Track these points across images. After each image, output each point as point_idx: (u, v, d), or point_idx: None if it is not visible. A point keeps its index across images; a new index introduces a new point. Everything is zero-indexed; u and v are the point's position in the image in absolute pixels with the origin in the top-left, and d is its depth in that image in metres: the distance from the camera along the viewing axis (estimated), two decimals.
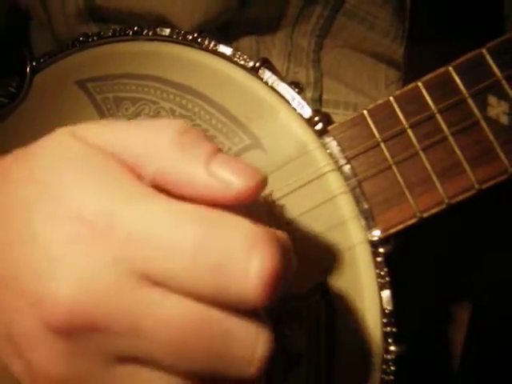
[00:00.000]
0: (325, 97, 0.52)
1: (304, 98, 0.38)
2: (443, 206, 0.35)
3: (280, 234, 0.26)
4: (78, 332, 0.24)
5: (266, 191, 0.38)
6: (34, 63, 0.47)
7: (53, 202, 0.25)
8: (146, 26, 0.43)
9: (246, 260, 0.23)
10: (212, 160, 0.25)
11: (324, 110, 0.50)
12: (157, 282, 0.24)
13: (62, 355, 0.24)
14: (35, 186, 0.26)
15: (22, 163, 0.28)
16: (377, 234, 0.36)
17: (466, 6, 0.45)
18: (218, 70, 0.41)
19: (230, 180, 0.25)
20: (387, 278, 0.36)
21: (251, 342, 0.24)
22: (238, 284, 0.23)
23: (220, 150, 0.26)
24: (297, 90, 0.39)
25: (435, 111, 0.35)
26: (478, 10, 0.46)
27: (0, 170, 0.28)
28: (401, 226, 0.36)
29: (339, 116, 0.51)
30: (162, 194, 0.25)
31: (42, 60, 0.47)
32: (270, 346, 0.24)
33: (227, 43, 0.41)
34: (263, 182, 0.26)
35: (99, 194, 0.25)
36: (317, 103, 0.52)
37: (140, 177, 0.26)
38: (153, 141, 0.26)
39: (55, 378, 0.25)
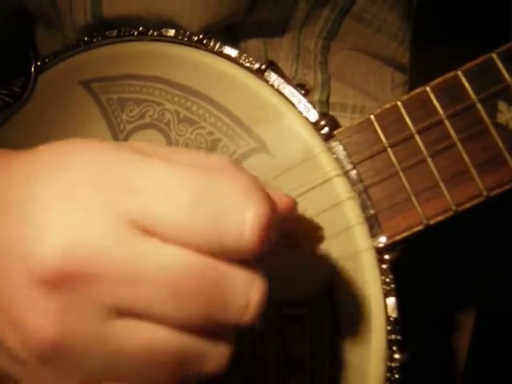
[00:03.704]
0: (332, 99, 0.52)
1: (310, 101, 0.38)
2: (450, 214, 0.34)
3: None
4: (70, 284, 0.23)
5: None
6: (39, 63, 0.47)
7: (53, 163, 0.25)
8: (151, 26, 0.43)
9: (243, 208, 0.24)
10: None
11: (331, 112, 0.50)
12: (153, 232, 0.24)
13: (54, 313, 0.24)
14: (34, 163, 0.26)
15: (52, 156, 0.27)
16: (382, 240, 0.36)
17: (472, 10, 0.45)
18: (223, 71, 0.40)
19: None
20: (392, 285, 0.35)
21: (246, 289, 0.25)
22: (234, 230, 0.24)
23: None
24: (303, 92, 0.39)
25: (443, 117, 0.35)
26: (484, 14, 0.46)
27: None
28: (407, 233, 0.35)
29: (346, 119, 0.51)
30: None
31: (46, 60, 0.47)
32: (263, 293, 0.25)
33: (235, 45, 0.41)
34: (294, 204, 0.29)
35: (96, 150, 0.25)
36: (324, 105, 0.52)
37: None
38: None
39: (49, 339, 0.24)
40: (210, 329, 0.25)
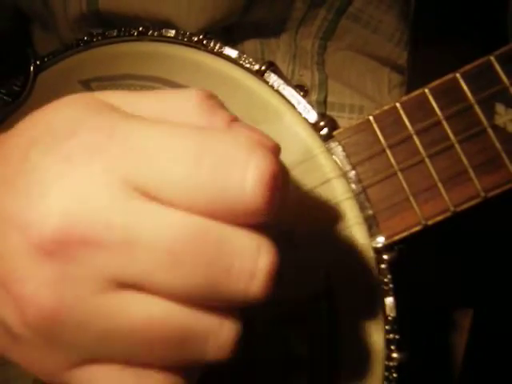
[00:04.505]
0: (330, 99, 0.52)
1: (309, 102, 0.38)
2: (448, 214, 0.35)
3: (275, 142, 0.25)
4: (68, 251, 0.22)
5: None
6: (38, 62, 0.47)
7: (51, 132, 0.24)
8: (150, 26, 0.43)
9: (245, 163, 0.22)
10: (231, 126, 0.25)
11: (329, 112, 0.50)
12: (152, 196, 0.23)
13: (51, 283, 0.23)
14: (39, 127, 0.25)
15: (33, 113, 0.27)
16: (381, 240, 0.36)
17: (470, 11, 0.45)
18: (223, 72, 0.40)
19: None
20: (391, 285, 0.36)
21: (252, 253, 0.23)
22: (235, 187, 0.22)
23: (236, 118, 0.26)
24: (302, 93, 0.39)
25: (442, 118, 0.35)
26: (482, 15, 0.46)
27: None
28: (405, 233, 0.36)
29: (344, 119, 0.51)
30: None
31: (45, 59, 0.46)
32: (273, 260, 0.23)
33: (232, 46, 0.41)
34: (277, 149, 0.26)
35: (99, 118, 0.24)
36: (322, 106, 0.52)
37: None
38: (174, 101, 0.26)
39: (45, 311, 0.23)
40: (213, 303, 0.24)
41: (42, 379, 0.26)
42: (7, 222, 0.23)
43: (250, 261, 0.23)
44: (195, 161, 0.22)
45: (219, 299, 0.23)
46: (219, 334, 0.24)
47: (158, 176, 0.22)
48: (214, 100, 0.26)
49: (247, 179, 0.22)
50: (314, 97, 0.52)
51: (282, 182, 0.23)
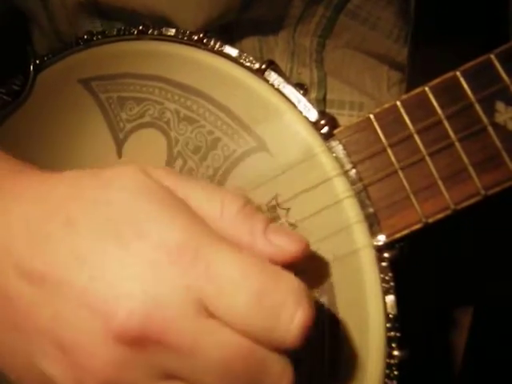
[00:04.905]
0: (329, 97, 0.52)
1: (309, 101, 0.38)
2: (448, 212, 0.35)
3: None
4: (142, 345, 0.27)
5: (271, 195, 0.38)
6: (38, 61, 0.46)
7: (132, 227, 0.29)
8: (151, 25, 0.43)
9: (293, 313, 0.28)
10: (268, 229, 0.31)
11: (329, 110, 0.50)
12: (215, 316, 0.28)
13: (117, 363, 0.28)
14: (112, 207, 0.29)
15: (95, 183, 0.31)
16: (382, 238, 0.36)
17: (471, 9, 0.45)
18: (223, 71, 0.40)
19: (284, 244, 0.31)
20: (392, 283, 0.36)
21: (280, 377, 0.29)
22: (284, 329, 0.28)
23: (270, 221, 0.32)
24: (302, 91, 0.39)
25: (442, 116, 0.35)
26: (482, 13, 0.46)
27: (58, 179, 0.32)
28: (406, 231, 0.36)
29: (345, 117, 0.51)
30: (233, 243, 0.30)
31: (45, 58, 0.46)
32: (291, 382, 0.30)
33: (230, 43, 0.41)
34: (308, 246, 0.32)
35: (182, 227, 0.29)
36: (321, 103, 0.52)
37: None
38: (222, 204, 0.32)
39: (99, 380, 0.28)
40: None
41: None
42: (81, 300, 0.28)
43: (277, 381, 0.29)
44: (256, 300, 0.28)
45: None
46: None
47: (224, 304, 0.28)
48: (251, 205, 0.32)
49: (293, 327, 0.28)
50: (313, 94, 0.52)
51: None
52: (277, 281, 0.29)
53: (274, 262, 0.30)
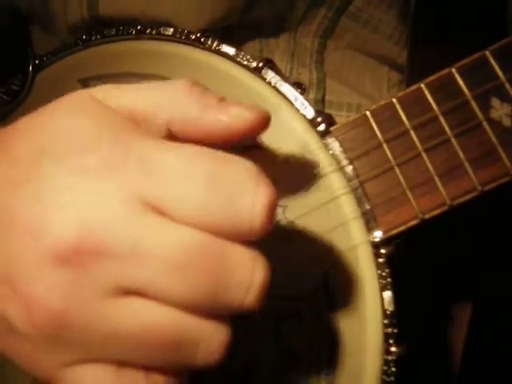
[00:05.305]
0: (328, 98, 0.53)
1: (307, 99, 0.39)
2: (445, 208, 0.35)
3: None
4: (80, 260, 0.24)
5: None
6: (37, 61, 0.47)
7: (65, 142, 0.26)
8: (149, 25, 0.43)
9: (254, 192, 0.25)
10: (222, 101, 0.29)
11: (327, 111, 0.51)
12: (165, 213, 0.25)
13: (61, 286, 0.24)
14: (49, 133, 0.27)
15: (36, 115, 0.29)
16: (378, 234, 0.36)
17: (470, 10, 0.45)
18: (221, 69, 0.41)
19: (240, 113, 0.29)
20: (389, 279, 0.36)
21: (250, 269, 0.25)
22: (246, 211, 0.25)
23: (224, 98, 0.29)
24: (299, 90, 0.39)
25: (438, 113, 0.35)
26: (482, 13, 0.46)
27: (15, 126, 0.29)
28: (402, 227, 0.36)
29: (342, 118, 0.51)
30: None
31: (44, 58, 0.47)
32: (266, 274, 0.26)
33: (231, 44, 0.41)
34: (267, 115, 0.30)
35: (110, 135, 0.26)
36: (320, 104, 0.52)
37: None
38: (165, 93, 0.29)
39: (53, 313, 0.24)
40: (211, 311, 0.26)
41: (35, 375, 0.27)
42: (17, 224, 0.25)
43: (247, 275, 0.25)
44: (209, 186, 0.25)
45: (217, 308, 0.26)
46: (211, 340, 0.26)
47: (171, 196, 0.25)
48: (200, 85, 0.29)
49: (257, 206, 0.25)
50: (311, 95, 0.52)
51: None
52: (228, 162, 0.26)
53: (231, 135, 0.29)
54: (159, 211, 0.25)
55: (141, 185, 0.25)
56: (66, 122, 0.27)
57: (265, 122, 0.30)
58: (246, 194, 0.25)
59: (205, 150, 0.26)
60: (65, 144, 0.26)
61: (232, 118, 0.29)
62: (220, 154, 0.26)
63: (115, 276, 0.24)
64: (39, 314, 0.24)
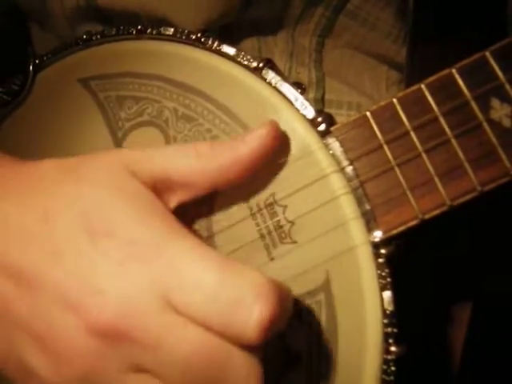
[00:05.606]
0: (327, 97, 0.53)
1: (307, 99, 0.39)
2: (445, 208, 0.35)
3: (283, 284, 0.31)
4: (113, 337, 0.29)
5: (268, 192, 0.38)
6: (37, 61, 0.47)
7: (103, 224, 0.30)
8: (149, 25, 0.43)
9: (250, 308, 0.28)
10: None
11: (327, 110, 0.50)
12: (179, 311, 0.29)
13: (92, 354, 0.29)
14: (87, 203, 0.31)
15: (70, 178, 0.33)
16: (378, 235, 0.36)
17: (469, 9, 0.45)
18: (221, 69, 0.41)
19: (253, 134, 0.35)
20: (388, 279, 0.36)
21: (246, 374, 0.30)
22: (241, 325, 0.28)
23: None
24: (299, 90, 0.39)
25: (438, 113, 0.35)
26: (481, 13, 0.46)
27: (43, 174, 0.34)
28: (402, 228, 0.36)
29: (343, 116, 0.51)
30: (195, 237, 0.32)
31: (45, 58, 0.47)
32: (259, 381, 0.30)
33: (229, 43, 0.41)
34: (276, 125, 0.36)
35: (148, 226, 0.31)
36: (319, 103, 0.52)
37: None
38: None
39: (77, 371, 0.29)
40: None
41: None
42: (56, 295, 0.30)
43: (242, 380, 0.30)
44: (214, 294, 0.29)
45: None
46: None
47: (187, 297, 0.29)
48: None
49: (250, 322, 0.28)
50: (311, 94, 0.52)
51: (280, 319, 0.30)
52: (236, 275, 0.29)
53: (249, 159, 0.34)
54: (176, 309, 0.29)
55: (166, 283, 0.29)
56: (107, 202, 0.31)
57: (277, 132, 0.35)
58: (241, 309, 0.28)
59: (220, 258, 0.30)
60: (103, 226, 0.30)
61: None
62: (230, 262, 0.30)
63: (135, 357, 0.29)
64: (68, 369, 0.30)
